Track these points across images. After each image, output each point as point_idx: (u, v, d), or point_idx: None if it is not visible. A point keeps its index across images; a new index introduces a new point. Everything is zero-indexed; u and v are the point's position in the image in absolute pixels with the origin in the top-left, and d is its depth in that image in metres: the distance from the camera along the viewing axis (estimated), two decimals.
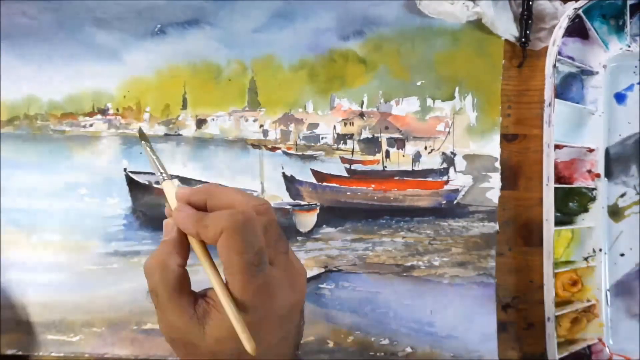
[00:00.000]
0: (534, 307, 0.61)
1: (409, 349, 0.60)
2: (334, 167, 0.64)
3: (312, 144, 0.64)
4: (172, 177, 0.63)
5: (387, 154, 0.63)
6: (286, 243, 0.36)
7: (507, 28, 0.60)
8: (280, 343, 0.37)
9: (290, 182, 0.64)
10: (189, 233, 0.35)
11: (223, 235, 0.32)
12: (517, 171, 0.62)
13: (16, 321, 0.61)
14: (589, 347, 0.60)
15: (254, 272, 0.33)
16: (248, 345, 0.32)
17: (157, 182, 0.62)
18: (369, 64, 0.63)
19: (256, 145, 0.64)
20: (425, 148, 0.63)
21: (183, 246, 0.36)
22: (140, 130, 0.45)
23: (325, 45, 0.63)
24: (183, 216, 0.35)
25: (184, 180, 0.63)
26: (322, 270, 0.62)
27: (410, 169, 0.63)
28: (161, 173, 0.40)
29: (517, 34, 0.61)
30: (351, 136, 0.64)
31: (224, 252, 0.33)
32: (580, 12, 0.58)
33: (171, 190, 0.38)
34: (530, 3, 0.60)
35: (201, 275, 0.61)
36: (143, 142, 0.43)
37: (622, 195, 0.61)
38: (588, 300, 0.61)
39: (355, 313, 0.61)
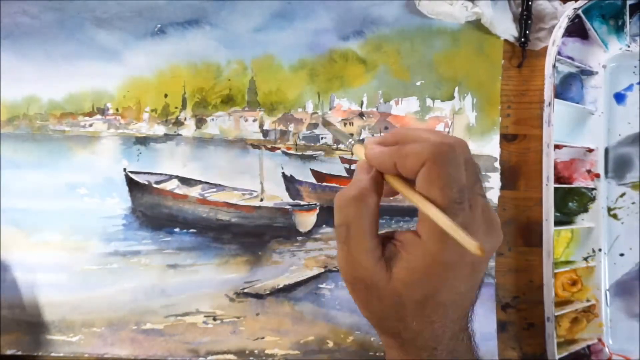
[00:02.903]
0: (534, 307, 0.61)
1: None
2: (334, 167, 0.64)
3: (312, 144, 0.64)
4: (172, 176, 0.63)
5: None
6: (483, 185, 0.33)
7: (506, 28, 0.60)
8: (467, 294, 0.34)
9: (290, 182, 0.64)
10: (385, 166, 0.33)
11: (425, 167, 0.30)
12: (517, 171, 0.62)
13: (16, 321, 0.61)
14: (589, 347, 0.60)
15: (456, 210, 0.30)
16: (473, 244, 0.28)
17: (157, 182, 0.62)
18: (369, 64, 0.63)
19: (256, 145, 0.64)
20: None
21: (380, 185, 0.34)
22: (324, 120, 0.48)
23: (325, 45, 0.63)
24: (378, 151, 0.33)
25: (184, 180, 0.63)
26: (322, 270, 0.62)
27: None
28: (350, 140, 0.39)
29: (516, 34, 0.61)
30: (351, 136, 0.64)
31: (424, 185, 0.30)
32: (579, 12, 0.58)
33: (361, 152, 0.37)
34: (530, 3, 0.60)
35: (201, 276, 0.62)
36: (327, 126, 0.45)
37: (622, 195, 0.61)
38: (588, 300, 0.61)
39: (355, 313, 0.61)
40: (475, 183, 0.32)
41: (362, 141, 0.38)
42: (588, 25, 0.59)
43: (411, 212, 0.62)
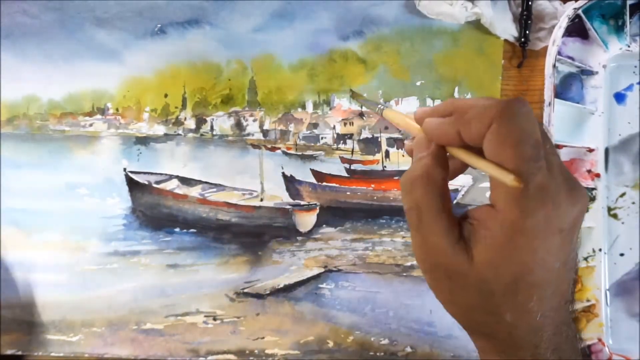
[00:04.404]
0: None
1: (408, 349, 0.60)
2: (334, 167, 0.64)
3: (312, 144, 0.64)
4: (172, 176, 0.63)
5: (387, 153, 0.63)
6: (553, 143, 0.30)
7: (505, 28, 0.60)
8: (562, 271, 0.30)
9: (290, 182, 0.64)
10: (447, 138, 0.30)
11: (494, 126, 0.27)
12: None
13: (16, 321, 0.61)
14: (589, 347, 0.60)
15: (533, 169, 0.27)
16: (508, 178, 0.26)
17: (157, 182, 0.62)
18: (369, 64, 0.63)
19: (256, 145, 0.64)
20: None
21: (444, 159, 0.31)
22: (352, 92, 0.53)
23: (325, 45, 0.63)
24: (437, 122, 0.30)
25: (184, 180, 0.63)
26: (322, 270, 0.62)
27: None
28: (379, 105, 0.38)
29: (516, 34, 0.61)
30: (351, 136, 0.64)
31: (494, 147, 0.27)
32: (580, 12, 0.58)
33: (397, 116, 0.35)
34: (530, 3, 0.60)
35: (201, 275, 0.62)
36: (356, 98, 0.48)
37: (622, 195, 0.61)
38: (588, 300, 0.61)
39: (355, 313, 0.61)
40: (546, 141, 0.28)
41: (391, 107, 0.39)
42: (588, 25, 0.59)
43: None
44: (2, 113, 0.63)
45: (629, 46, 0.60)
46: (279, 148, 0.64)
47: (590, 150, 0.61)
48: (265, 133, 0.64)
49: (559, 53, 0.58)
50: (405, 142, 0.35)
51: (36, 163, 0.63)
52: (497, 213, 0.28)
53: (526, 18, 0.60)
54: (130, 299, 0.61)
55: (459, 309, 0.31)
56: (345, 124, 0.64)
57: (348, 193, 0.63)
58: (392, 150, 0.63)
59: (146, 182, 0.63)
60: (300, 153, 0.64)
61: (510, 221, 0.27)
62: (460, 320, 0.32)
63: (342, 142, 0.64)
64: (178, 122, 0.64)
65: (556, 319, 0.30)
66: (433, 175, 0.30)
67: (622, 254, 0.60)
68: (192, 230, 0.63)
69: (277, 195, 0.63)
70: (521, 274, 0.28)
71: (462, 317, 0.32)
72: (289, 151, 0.64)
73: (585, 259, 0.61)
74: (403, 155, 0.63)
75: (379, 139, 0.63)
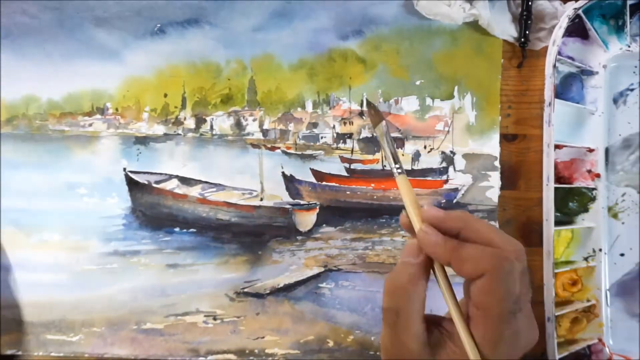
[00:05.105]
0: (534, 307, 0.60)
1: None
2: (334, 166, 0.64)
3: (312, 143, 0.64)
4: (171, 176, 0.63)
5: None
6: (530, 289, 0.35)
7: (504, 29, 0.60)
8: None
9: (290, 182, 0.64)
10: (438, 259, 0.34)
11: (483, 280, 0.32)
12: (517, 171, 0.62)
13: (16, 321, 0.61)
14: (589, 347, 0.60)
15: (508, 319, 0.32)
16: (475, 355, 0.31)
17: (157, 182, 0.62)
18: (368, 63, 0.63)
19: (255, 144, 0.64)
20: (425, 147, 0.63)
21: (429, 270, 0.35)
22: (371, 105, 0.39)
23: (325, 44, 0.63)
24: (434, 241, 0.34)
25: (184, 180, 0.63)
26: (322, 269, 0.62)
27: (410, 168, 0.63)
28: (396, 165, 0.37)
29: (515, 34, 0.61)
30: (350, 135, 0.64)
31: (481, 295, 0.32)
32: (580, 12, 0.58)
33: (406, 189, 0.37)
34: (530, 3, 0.59)
35: (201, 275, 0.62)
36: (380, 124, 0.38)
37: (622, 195, 0.61)
38: (588, 300, 0.61)
39: (355, 312, 0.61)
40: (527, 291, 0.34)
41: (405, 172, 0.37)
42: (588, 25, 0.59)
43: None
44: (1, 113, 0.63)
45: (629, 46, 0.60)
46: (279, 147, 0.64)
47: (591, 150, 0.61)
48: (264, 132, 0.64)
49: (559, 53, 0.58)
50: (403, 213, 0.37)
51: (36, 163, 0.63)
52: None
53: (526, 18, 0.60)
54: (130, 299, 0.61)
55: None
56: (344, 123, 0.64)
57: (348, 192, 0.63)
58: None
59: (146, 182, 0.63)
60: (300, 152, 0.64)
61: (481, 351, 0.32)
62: None
63: (341, 141, 0.64)
64: (178, 122, 0.64)
65: None
66: (417, 285, 0.34)
67: (622, 254, 0.60)
68: (191, 230, 0.63)
69: (277, 194, 0.63)
70: None
71: None
72: (288, 151, 0.64)
73: (586, 259, 0.61)
74: (403, 155, 0.63)
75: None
